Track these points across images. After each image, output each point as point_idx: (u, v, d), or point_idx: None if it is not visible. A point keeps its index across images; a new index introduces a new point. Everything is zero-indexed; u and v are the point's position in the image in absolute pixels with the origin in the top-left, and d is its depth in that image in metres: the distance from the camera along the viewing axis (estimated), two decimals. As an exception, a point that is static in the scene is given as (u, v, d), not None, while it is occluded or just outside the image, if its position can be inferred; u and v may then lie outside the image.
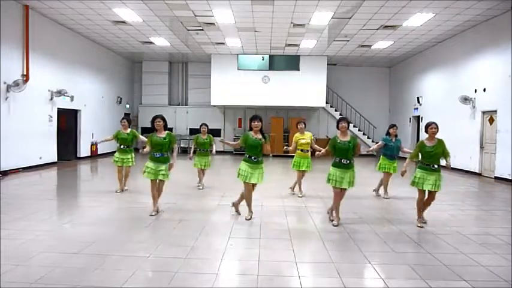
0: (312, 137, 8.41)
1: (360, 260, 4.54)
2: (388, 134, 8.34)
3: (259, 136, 6.03)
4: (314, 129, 20.68)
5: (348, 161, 5.81)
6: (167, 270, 4.12)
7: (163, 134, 6.28)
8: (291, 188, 8.74)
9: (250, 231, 5.63)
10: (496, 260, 4.59)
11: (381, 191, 8.51)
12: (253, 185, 6.20)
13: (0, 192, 8.25)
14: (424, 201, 5.99)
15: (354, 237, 5.40)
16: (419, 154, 5.95)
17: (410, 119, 18.19)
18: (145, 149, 6.45)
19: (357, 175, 6.04)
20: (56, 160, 13.52)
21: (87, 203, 7.75)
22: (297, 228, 5.97)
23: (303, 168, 8.22)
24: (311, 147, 8.20)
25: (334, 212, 6.10)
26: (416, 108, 17.53)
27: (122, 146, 8.37)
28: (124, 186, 8.56)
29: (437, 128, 5.86)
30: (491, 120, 12.14)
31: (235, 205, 6.58)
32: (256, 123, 6.01)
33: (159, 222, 6.04)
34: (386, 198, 8.26)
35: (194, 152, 9.08)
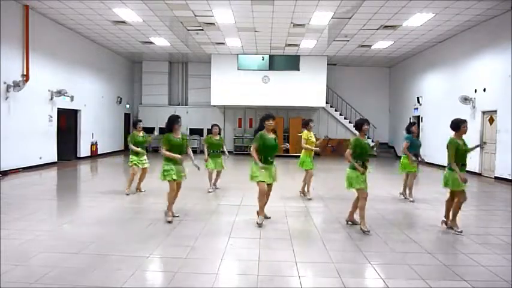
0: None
1: (360, 260, 4.54)
2: (410, 132, 8.08)
3: (273, 136, 5.93)
4: (314, 129, 20.60)
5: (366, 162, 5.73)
6: (167, 270, 4.13)
7: (180, 135, 6.16)
8: (303, 191, 8.35)
9: (250, 231, 5.63)
10: (496, 260, 4.59)
11: (407, 192, 8.17)
12: (269, 186, 5.97)
13: (0, 192, 8.25)
14: (453, 205, 5.64)
15: (354, 237, 5.40)
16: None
17: (410, 119, 18.18)
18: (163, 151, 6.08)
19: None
20: (56, 160, 13.52)
21: (87, 203, 7.75)
22: (297, 228, 5.96)
23: (310, 167, 8.02)
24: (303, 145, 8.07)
25: (360, 217, 5.76)
26: (416, 108, 17.53)
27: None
28: (140, 188, 8.45)
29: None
30: (491, 120, 12.14)
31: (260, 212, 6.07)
32: (270, 121, 5.87)
33: (159, 222, 6.03)
34: (412, 201, 7.91)
35: (208, 154, 8.76)
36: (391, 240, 5.27)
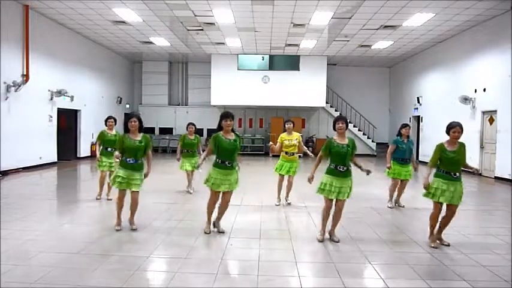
0: (300, 138, 7.49)
1: (360, 260, 4.54)
2: (399, 134, 7.43)
3: (233, 137, 5.23)
4: (314, 129, 20.71)
5: (346, 168, 4.99)
6: (167, 270, 4.13)
7: (139, 136, 5.40)
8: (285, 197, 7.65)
9: (250, 231, 5.62)
10: (496, 260, 4.59)
11: (394, 198, 7.55)
12: (225, 194, 5.33)
13: (0, 192, 8.24)
14: (443, 218, 4.98)
15: (354, 237, 5.40)
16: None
17: (410, 119, 18.18)
18: (116, 154, 5.66)
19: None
20: (56, 160, 13.52)
21: (87, 203, 7.73)
22: (296, 228, 5.96)
23: (284, 173, 7.31)
24: (299, 149, 7.38)
25: (321, 224, 5.30)
26: (416, 108, 17.53)
27: (108, 149, 7.47)
28: (108, 194, 7.61)
29: (461, 131, 4.84)
30: (491, 120, 12.14)
31: (216, 222, 5.54)
32: (228, 122, 5.17)
33: (159, 223, 6.03)
34: (390, 207, 7.35)
35: (181, 153, 8.52)
36: (391, 240, 5.27)
